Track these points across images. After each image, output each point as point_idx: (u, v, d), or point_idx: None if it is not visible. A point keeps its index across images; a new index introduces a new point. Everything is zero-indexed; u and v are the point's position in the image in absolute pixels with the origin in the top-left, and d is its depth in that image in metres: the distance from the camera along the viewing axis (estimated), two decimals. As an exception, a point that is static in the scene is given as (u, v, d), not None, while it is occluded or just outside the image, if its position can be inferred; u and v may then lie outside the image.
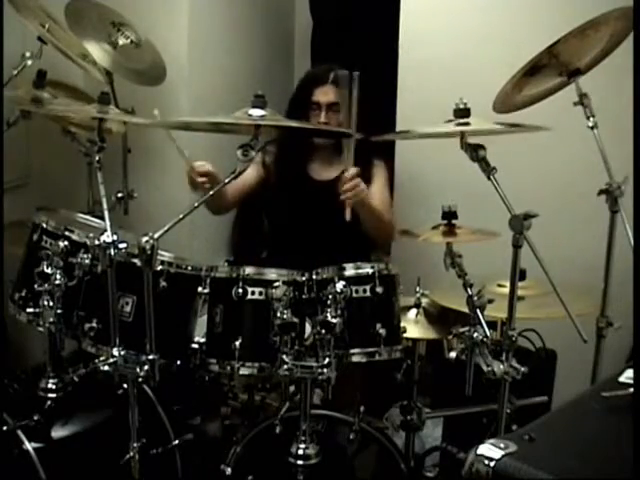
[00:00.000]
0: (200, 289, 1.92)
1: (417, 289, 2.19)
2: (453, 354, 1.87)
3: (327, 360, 1.81)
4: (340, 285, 1.85)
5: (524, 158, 2.58)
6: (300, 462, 1.93)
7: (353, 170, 2.36)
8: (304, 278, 1.91)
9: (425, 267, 2.40)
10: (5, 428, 1.88)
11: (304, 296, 1.90)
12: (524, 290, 1.94)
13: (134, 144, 2.88)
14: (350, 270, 1.91)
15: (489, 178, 1.74)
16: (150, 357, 1.73)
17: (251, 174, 2.69)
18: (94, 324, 1.85)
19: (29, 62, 2.45)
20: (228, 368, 1.88)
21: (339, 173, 2.46)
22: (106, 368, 1.78)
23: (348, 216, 2.36)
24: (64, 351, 1.98)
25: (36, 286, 1.85)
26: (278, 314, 1.83)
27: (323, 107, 2.60)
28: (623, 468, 1.16)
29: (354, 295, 1.89)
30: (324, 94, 2.60)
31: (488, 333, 1.78)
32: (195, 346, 1.92)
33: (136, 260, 1.70)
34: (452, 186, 2.72)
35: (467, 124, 1.79)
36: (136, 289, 1.79)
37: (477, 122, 1.80)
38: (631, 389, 1.37)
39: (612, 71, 2.13)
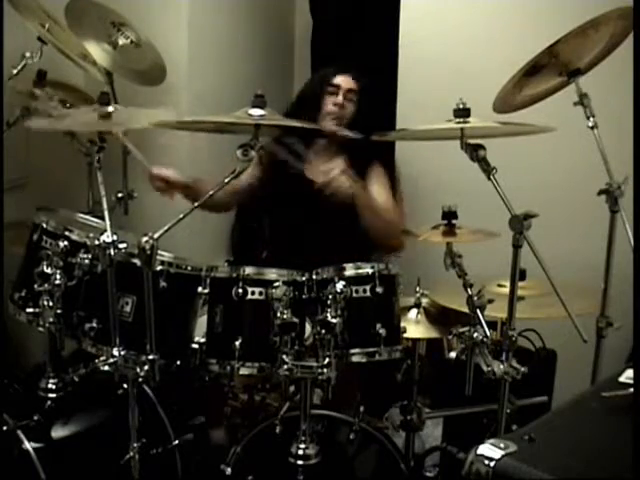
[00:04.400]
0: (200, 289, 1.92)
1: (417, 289, 2.19)
2: (453, 354, 1.86)
3: (327, 360, 1.81)
4: (340, 285, 1.85)
5: (524, 158, 2.58)
6: (300, 462, 1.94)
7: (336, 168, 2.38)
8: (304, 278, 1.91)
9: (425, 267, 2.40)
10: (5, 428, 1.88)
11: (304, 296, 1.90)
12: (524, 290, 1.94)
13: (134, 144, 2.87)
14: (350, 270, 1.91)
15: (489, 178, 1.74)
16: (150, 357, 1.74)
17: (246, 173, 2.69)
18: (94, 324, 1.85)
19: (29, 62, 2.45)
20: (228, 368, 1.87)
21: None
22: (106, 368, 1.78)
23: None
24: (64, 351, 1.97)
25: (36, 286, 1.85)
26: (278, 314, 1.83)
27: (342, 90, 2.63)
28: (623, 468, 1.16)
29: (354, 295, 1.89)
30: (346, 80, 2.65)
31: (488, 333, 1.78)
32: (195, 346, 1.92)
33: (136, 260, 1.70)
34: (452, 186, 2.72)
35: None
36: (136, 289, 1.79)
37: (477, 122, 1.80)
38: (631, 389, 1.37)
39: (612, 71, 2.13)
